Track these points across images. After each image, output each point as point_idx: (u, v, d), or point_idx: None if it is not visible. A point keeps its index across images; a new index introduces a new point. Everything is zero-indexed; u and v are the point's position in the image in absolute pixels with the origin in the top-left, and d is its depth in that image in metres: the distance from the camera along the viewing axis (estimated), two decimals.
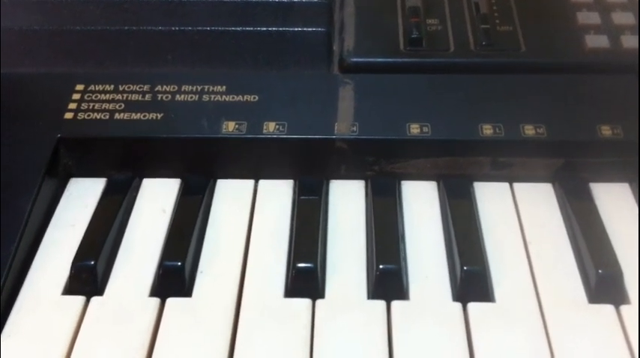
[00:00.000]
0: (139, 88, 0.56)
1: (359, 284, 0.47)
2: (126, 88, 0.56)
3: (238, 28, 0.60)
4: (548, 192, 0.53)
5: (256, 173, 0.55)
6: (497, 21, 0.61)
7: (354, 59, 0.58)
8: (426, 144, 0.53)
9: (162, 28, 0.60)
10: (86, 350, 0.44)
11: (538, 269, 0.48)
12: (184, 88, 0.56)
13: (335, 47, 0.60)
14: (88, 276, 0.47)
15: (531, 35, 0.60)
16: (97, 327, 0.45)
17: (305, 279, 0.47)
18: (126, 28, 0.60)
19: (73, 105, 0.55)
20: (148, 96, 0.55)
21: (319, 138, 0.53)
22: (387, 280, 0.47)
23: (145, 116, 0.54)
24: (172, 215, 0.52)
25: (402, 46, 0.59)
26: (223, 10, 0.61)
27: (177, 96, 0.55)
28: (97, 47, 0.60)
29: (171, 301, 0.46)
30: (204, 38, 0.60)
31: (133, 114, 0.54)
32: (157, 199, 0.53)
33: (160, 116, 0.54)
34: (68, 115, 0.54)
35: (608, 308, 0.46)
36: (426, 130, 0.53)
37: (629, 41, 0.59)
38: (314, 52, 0.59)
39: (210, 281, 0.48)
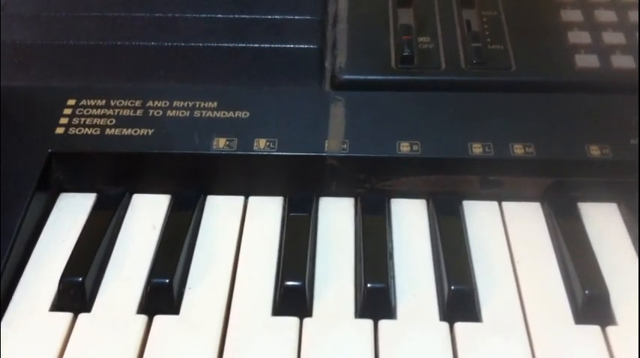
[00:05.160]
0: (131, 103, 0.56)
1: (347, 303, 0.47)
2: (117, 103, 0.56)
3: (230, 44, 0.60)
4: (537, 212, 0.54)
5: (246, 189, 0.55)
6: (489, 39, 0.61)
7: (346, 76, 0.59)
8: (415, 163, 0.53)
9: (155, 44, 0.60)
10: None
11: (525, 288, 0.48)
12: (176, 103, 0.56)
13: (327, 64, 0.60)
14: (76, 293, 0.47)
15: (522, 54, 0.60)
16: (85, 344, 0.45)
17: (293, 297, 0.47)
18: (118, 43, 0.60)
19: (64, 120, 0.55)
20: (139, 112, 0.55)
21: (310, 156, 0.53)
22: (375, 299, 0.47)
23: (136, 131, 0.54)
24: (162, 231, 0.52)
25: (393, 64, 0.59)
26: (216, 26, 0.62)
27: (169, 111, 0.55)
28: (89, 62, 0.60)
29: (158, 318, 0.46)
30: (196, 54, 0.60)
31: (124, 129, 0.54)
32: (147, 215, 0.53)
33: (151, 131, 0.54)
34: (59, 130, 0.54)
35: (594, 329, 0.46)
36: (416, 148, 0.53)
37: (619, 61, 0.59)
38: (306, 69, 0.59)
39: (198, 299, 0.48)
